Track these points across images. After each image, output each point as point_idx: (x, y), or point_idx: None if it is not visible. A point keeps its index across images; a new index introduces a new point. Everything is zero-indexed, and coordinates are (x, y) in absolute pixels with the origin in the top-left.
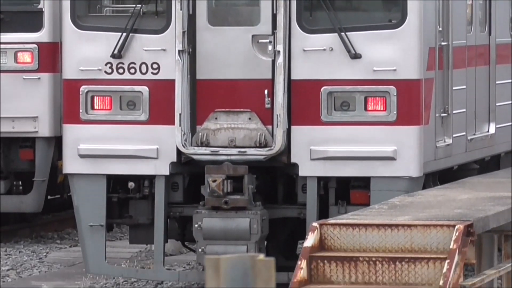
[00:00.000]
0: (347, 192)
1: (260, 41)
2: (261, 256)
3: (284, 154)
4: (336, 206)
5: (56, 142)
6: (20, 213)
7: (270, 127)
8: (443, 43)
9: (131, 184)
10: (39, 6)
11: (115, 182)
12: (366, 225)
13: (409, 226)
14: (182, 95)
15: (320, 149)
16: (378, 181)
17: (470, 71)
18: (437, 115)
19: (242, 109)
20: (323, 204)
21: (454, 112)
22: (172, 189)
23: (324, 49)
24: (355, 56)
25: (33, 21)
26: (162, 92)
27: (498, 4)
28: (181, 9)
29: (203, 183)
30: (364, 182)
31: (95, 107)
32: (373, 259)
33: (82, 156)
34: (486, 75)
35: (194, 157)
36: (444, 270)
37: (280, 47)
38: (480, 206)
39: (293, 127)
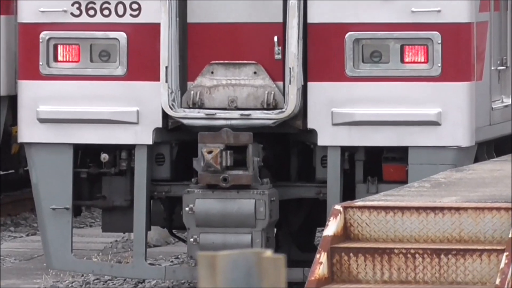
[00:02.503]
0: (378, 166)
1: None
2: (269, 252)
3: (299, 117)
4: (365, 184)
5: (10, 103)
6: None
7: (281, 83)
8: None
9: (104, 156)
10: None
11: (84, 154)
12: (402, 208)
13: (457, 209)
14: (169, 43)
15: (344, 112)
16: (418, 152)
17: None
18: (492, 68)
19: (245, 61)
20: (348, 182)
21: None
22: (156, 163)
23: None
24: None
25: None
26: (144, 39)
27: None
28: None
29: (195, 154)
30: (400, 153)
31: (59, 58)
32: (412, 251)
33: (43, 121)
34: None
35: (184, 121)
36: (502, 265)
37: None
38: None
39: (310, 84)
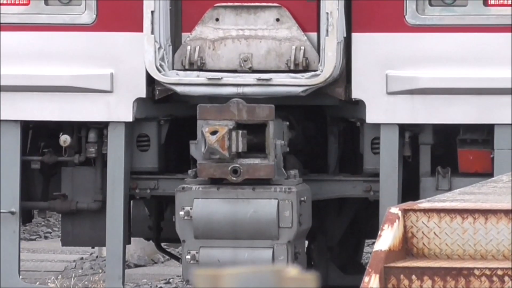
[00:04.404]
0: (452, 152)
1: None
2: (294, 269)
3: (340, 83)
4: (433, 177)
5: None
6: None
7: (314, 35)
8: None
9: (64, 139)
10: None
11: (37, 135)
12: (486, 212)
13: None
14: None
15: (404, 75)
16: (508, 133)
17: None
18: None
19: (264, 3)
20: (409, 174)
21: None
22: (138, 147)
23: None
24: None
25: None
26: None
27: None
28: None
29: (194, 136)
30: (483, 134)
31: (2, 0)
32: (499, 272)
33: None
34: None
35: (178, 89)
36: None
37: None
38: None
39: (355, 36)
